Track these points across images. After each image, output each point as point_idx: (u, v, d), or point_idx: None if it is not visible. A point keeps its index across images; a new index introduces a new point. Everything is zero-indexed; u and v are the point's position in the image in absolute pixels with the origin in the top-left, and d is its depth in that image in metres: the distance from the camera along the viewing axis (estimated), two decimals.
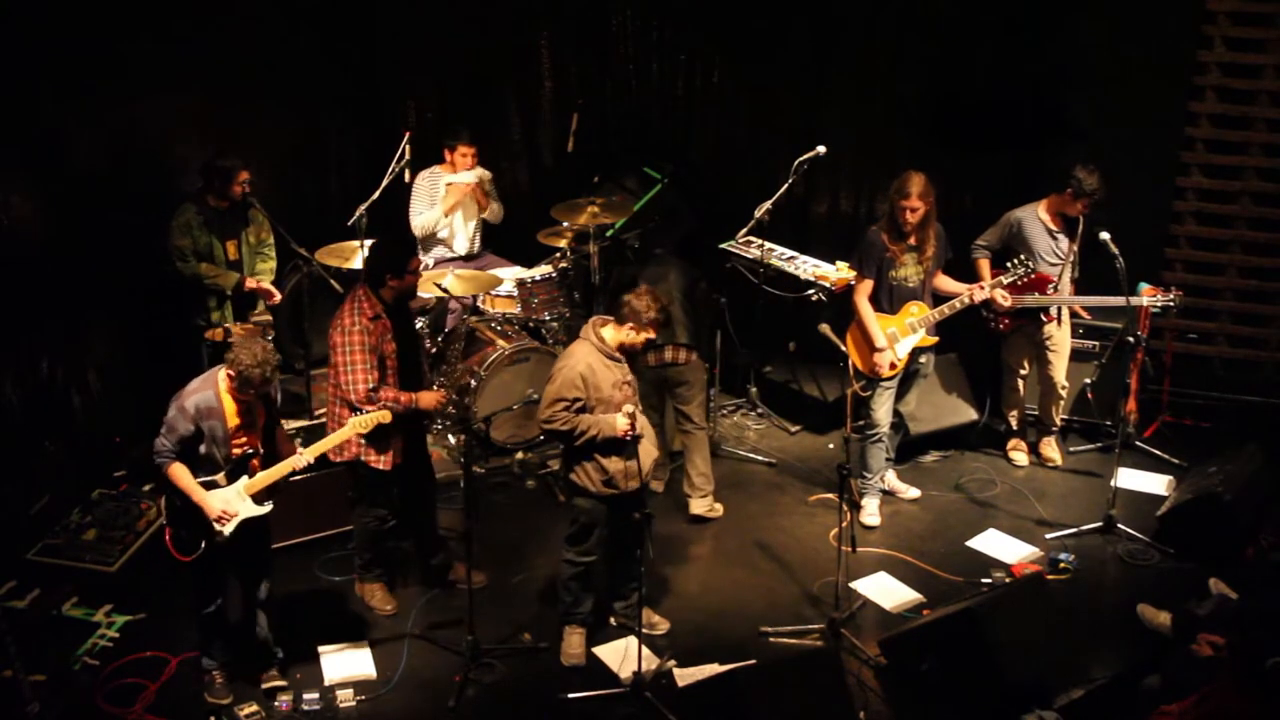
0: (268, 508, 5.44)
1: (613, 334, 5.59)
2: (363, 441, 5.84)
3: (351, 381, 5.70)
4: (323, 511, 6.67)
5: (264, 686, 5.67)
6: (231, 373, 5.18)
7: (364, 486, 6.09)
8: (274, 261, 7.34)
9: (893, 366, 6.75)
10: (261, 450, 5.45)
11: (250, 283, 7.10)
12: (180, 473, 5.28)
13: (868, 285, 6.73)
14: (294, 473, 5.50)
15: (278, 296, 7.25)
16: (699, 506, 7.03)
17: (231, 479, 5.36)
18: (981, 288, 6.85)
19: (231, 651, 5.68)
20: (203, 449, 5.30)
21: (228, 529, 5.33)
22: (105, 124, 7.26)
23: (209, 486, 5.32)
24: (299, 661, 5.86)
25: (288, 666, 5.81)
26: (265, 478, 5.40)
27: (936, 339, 6.84)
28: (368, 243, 7.13)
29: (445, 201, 7.83)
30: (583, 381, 5.50)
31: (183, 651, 5.84)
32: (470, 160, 7.84)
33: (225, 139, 7.76)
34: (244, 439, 5.38)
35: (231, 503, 5.34)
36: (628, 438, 5.51)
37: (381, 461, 5.91)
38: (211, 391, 5.25)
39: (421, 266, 7.54)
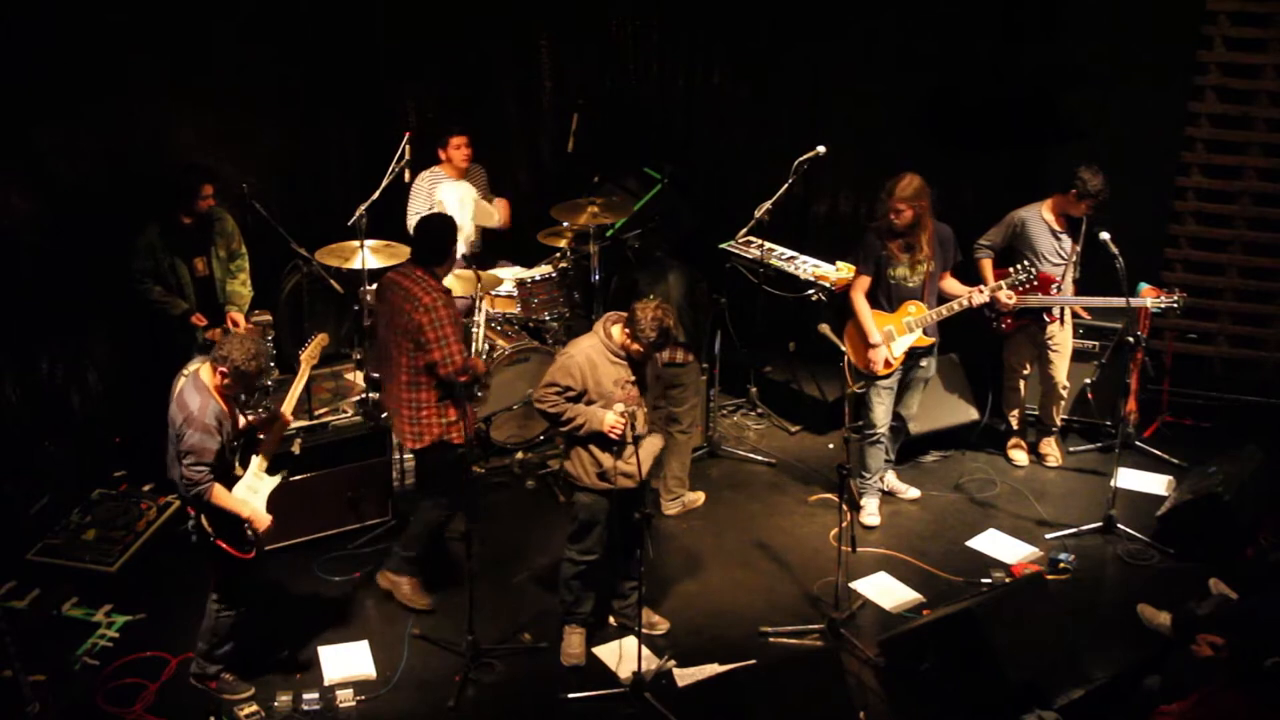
0: (280, 476, 5.51)
1: (618, 334, 5.60)
2: (445, 420, 5.92)
3: (450, 355, 5.80)
4: (323, 511, 6.68)
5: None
6: (224, 369, 5.18)
7: (440, 473, 6.14)
8: (248, 282, 7.15)
9: (887, 364, 6.75)
10: (256, 428, 5.55)
11: (209, 329, 6.95)
12: (222, 494, 5.29)
13: (865, 281, 6.74)
14: (290, 433, 5.63)
15: (243, 326, 7.05)
16: (671, 508, 7.07)
17: (245, 463, 5.44)
18: (980, 291, 6.85)
19: (237, 653, 5.68)
20: (222, 453, 5.35)
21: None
22: (105, 125, 7.26)
23: (233, 482, 5.37)
24: (299, 661, 5.86)
25: (288, 667, 5.81)
26: (268, 447, 5.48)
27: (933, 340, 6.83)
28: (369, 243, 7.15)
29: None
30: (580, 373, 5.53)
31: (183, 651, 5.83)
32: (465, 150, 7.79)
33: (225, 139, 7.78)
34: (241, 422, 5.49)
35: (254, 485, 5.42)
36: (615, 436, 5.52)
37: (462, 435, 6.00)
38: (211, 398, 5.25)
39: None
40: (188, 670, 5.73)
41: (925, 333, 6.76)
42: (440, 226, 6.08)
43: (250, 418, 5.50)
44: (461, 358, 5.84)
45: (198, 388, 5.23)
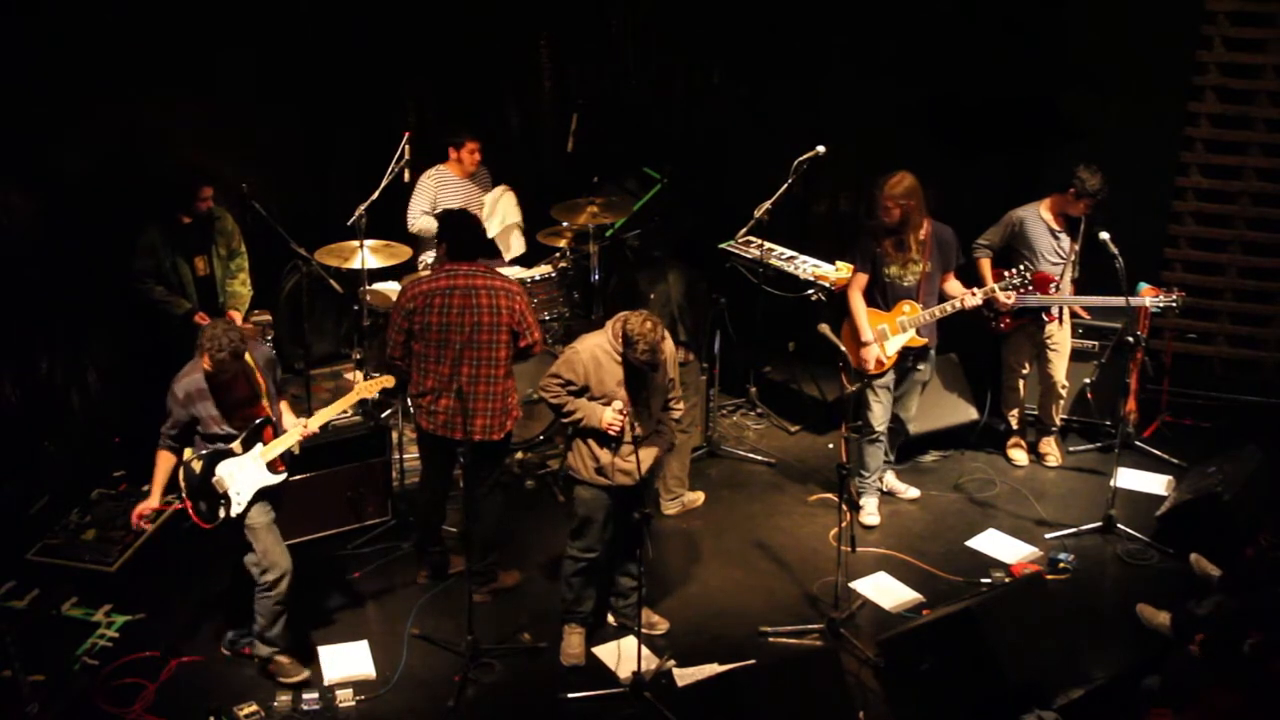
0: (282, 477, 5.57)
1: None
2: (514, 403, 6.05)
3: (541, 332, 6.10)
4: (323, 511, 6.68)
5: (255, 656, 5.78)
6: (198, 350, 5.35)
7: (501, 457, 6.27)
8: (247, 282, 7.14)
9: (880, 363, 6.74)
10: (273, 419, 5.59)
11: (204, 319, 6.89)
12: (160, 461, 5.51)
13: (862, 279, 6.76)
14: (304, 441, 5.64)
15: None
16: (670, 508, 7.07)
17: (247, 447, 5.49)
18: (974, 294, 6.81)
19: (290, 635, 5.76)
20: (200, 429, 5.45)
21: (243, 500, 5.46)
22: (105, 125, 7.26)
23: (225, 455, 5.46)
24: (299, 661, 5.85)
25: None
26: (279, 444, 5.54)
27: (926, 340, 6.80)
28: (368, 243, 7.14)
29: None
30: (583, 369, 5.57)
31: (183, 652, 5.85)
32: (477, 156, 7.82)
33: (225, 139, 7.78)
34: (253, 410, 5.52)
35: (247, 470, 5.47)
36: (613, 433, 5.53)
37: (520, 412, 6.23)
38: (199, 374, 5.37)
39: (422, 265, 7.61)
40: (188, 670, 5.76)
41: (919, 333, 6.74)
42: (476, 220, 6.22)
43: (255, 413, 5.54)
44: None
45: (195, 362, 5.41)
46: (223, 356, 5.24)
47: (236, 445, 5.48)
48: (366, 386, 5.80)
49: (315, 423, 5.61)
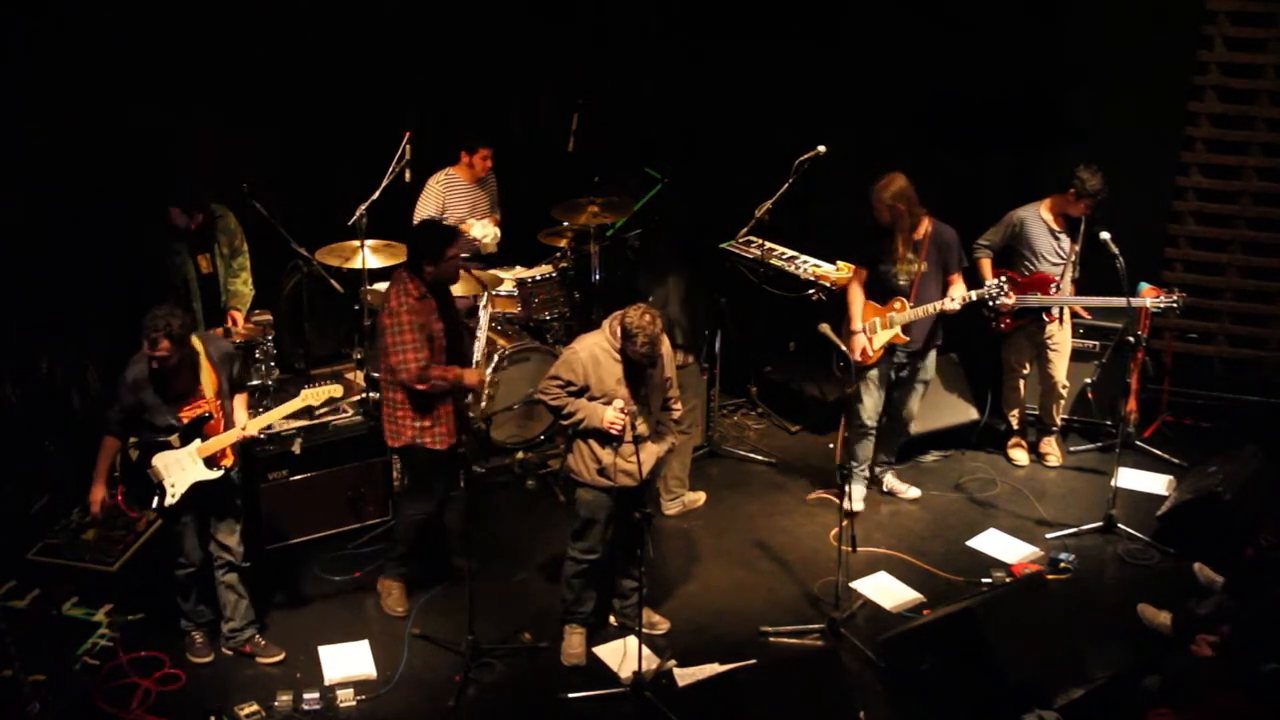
0: (219, 473, 5.57)
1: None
2: (419, 424, 5.90)
3: (403, 361, 5.75)
4: (323, 511, 6.68)
5: (254, 656, 5.84)
6: None
7: (417, 472, 6.17)
8: (249, 281, 7.09)
9: (865, 354, 6.74)
10: (217, 415, 5.57)
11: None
12: (105, 447, 5.57)
13: (861, 274, 6.82)
14: (249, 440, 5.70)
15: (240, 328, 7.00)
16: (671, 508, 7.08)
17: (185, 441, 5.50)
18: (952, 299, 6.75)
19: (210, 612, 5.85)
20: (147, 416, 5.48)
21: (178, 492, 5.50)
22: (104, 125, 7.25)
23: (162, 446, 5.49)
24: (299, 661, 5.87)
25: (287, 666, 5.83)
26: (215, 443, 5.54)
27: (910, 339, 6.76)
28: (369, 242, 7.15)
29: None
30: (583, 369, 5.56)
31: (182, 651, 5.86)
32: (489, 163, 7.85)
33: (226, 139, 7.78)
34: (196, 403, 5.52)
35: (183, 463, 5.50)
36: (614, 431, 5.53)
37: (439, 442, 5.97)
38: (141, 363, 5.39)
39: None
40: (188, 668, 5.79)
41: (904, 331, 6.72)
42: (431, 231, 6.12)
43: (198, 407, 5.55)
44: (416, 366, 5.73)
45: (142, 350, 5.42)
46: (157, 337, 5.24)
47: (174, 438, 5.49)
48: (313, 394, 5.75)
49: (255, 426, 5.61)
